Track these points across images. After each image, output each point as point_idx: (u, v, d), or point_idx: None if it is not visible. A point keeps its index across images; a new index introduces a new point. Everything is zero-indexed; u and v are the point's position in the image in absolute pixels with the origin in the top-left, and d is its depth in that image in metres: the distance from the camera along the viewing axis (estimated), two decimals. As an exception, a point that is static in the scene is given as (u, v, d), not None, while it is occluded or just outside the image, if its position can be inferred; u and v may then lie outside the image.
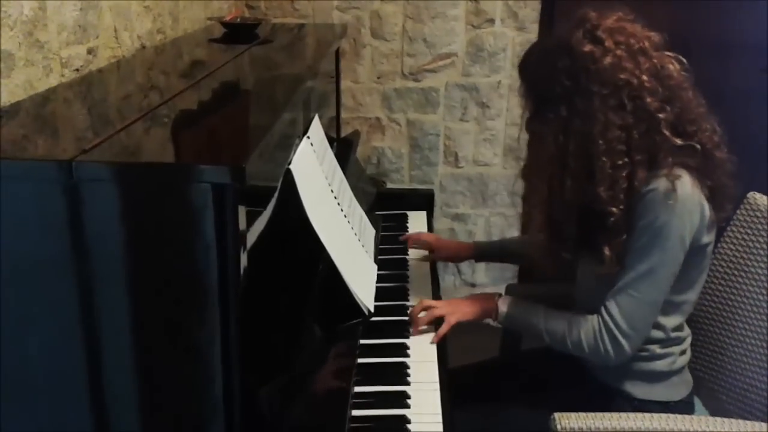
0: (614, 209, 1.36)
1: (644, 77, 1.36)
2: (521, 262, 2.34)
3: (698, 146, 1.39)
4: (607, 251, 1.39)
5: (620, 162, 1.35)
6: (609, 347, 1.42)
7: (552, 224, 1.46)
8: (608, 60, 1.35)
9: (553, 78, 1.39)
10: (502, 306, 1.56)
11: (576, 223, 1.42)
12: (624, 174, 1.36)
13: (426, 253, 1.98)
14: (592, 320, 1.44)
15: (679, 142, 1.37)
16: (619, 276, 1.41)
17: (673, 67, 1.41)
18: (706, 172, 1.41)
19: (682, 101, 1.40)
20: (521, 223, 3.02)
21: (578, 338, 1.45)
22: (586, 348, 1.44)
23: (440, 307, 1.59)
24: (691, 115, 1.41)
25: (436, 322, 1.59)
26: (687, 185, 1.36)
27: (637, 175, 1.36)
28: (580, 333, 1.44)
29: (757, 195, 1.64)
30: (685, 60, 1.44)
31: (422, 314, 1.58)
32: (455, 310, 1.58)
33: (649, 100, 1.36)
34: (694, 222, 1.38)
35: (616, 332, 1.41)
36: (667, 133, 1.37)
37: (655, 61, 1.39)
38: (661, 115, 1.36)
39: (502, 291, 1.94)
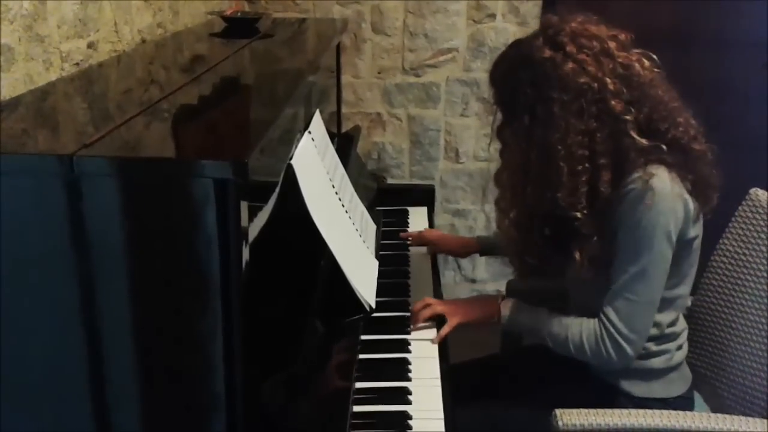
0: (577, 214, 1.37)
1: (607, 80, 1.35)
2: None
3: (665, 146, 1.38)
4: (577, 256, 1.39)
5: (580, 167, 1.35)
6: (612, 352, 1.41)
7: (518, 230, 1.47)
8: (569, 65, 1.35)
9: (517, 87, 1.40)
10: (504, 309, 1.56)
11: (540, 230, 1.44)
12: (584, 179, 1.36)
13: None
14: (594, 325, 1.43)
15: (645, 143, 1.36)
16: (612, 279, 1.41)
17: (640, 66, 1.40)
18: (687, 166, 1.40)
19: (652, 99, 1.39)
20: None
21: (580, 343, 1.44)
22: (588, 352, 1.44)
23: (441, 306, 1.58)
24: (663, 112, 1.40)
25: (437, 320, 1.58)
26: (664, 181, 1.35)
27: (602, 179, 1.36)
28: (582, 338, 1.44)
29: (759, 191, 1.63)
30: (654, 56, 1.43)
31: (425, 310, 1.57)
32: (457, 312, 1.57)
33: (613, 103, 1.35)
34: (678, 217, 1.37)
35: (618, 337, 1.40)
36: (633, 134, 1.36)
37: (620, 61, 1.38)
38: (626, 117, 1.35)
39: (503, 287, 1.93)
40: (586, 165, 1.36)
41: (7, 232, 0.96)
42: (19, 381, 1.04)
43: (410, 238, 1.99)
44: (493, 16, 2.77)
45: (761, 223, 1.60)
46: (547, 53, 1.37)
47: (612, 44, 1.39)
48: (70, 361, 1.02)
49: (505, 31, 2.78)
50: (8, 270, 0.98)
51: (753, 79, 2.78)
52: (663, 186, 1.35)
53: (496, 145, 1.54)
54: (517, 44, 1.49)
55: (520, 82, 1.40)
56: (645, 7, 2.72)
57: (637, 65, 1.40)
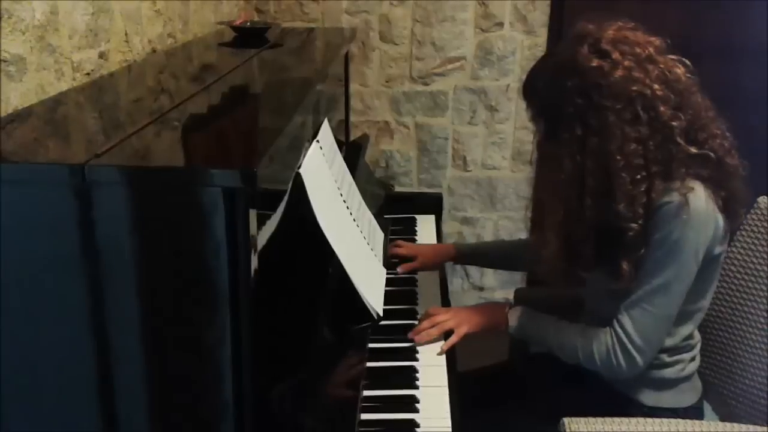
0: (634, 225, 1.34)
1: (655, 86, 1.34)
2: (503, 268, 2.27)
3: (711, 154, 1.37)
4: (625, 266, 1.36)
5: (638, 176, 1.33)
6: (622, 361, 1.40)
7: (569, 245, 1.42)
8: (618, 73, 1.33)
9: (564, 98, 1.36)
10: (512, 318, 1.55)
11: (593, 242, 1.39)
12: (643, 188, 1.34)
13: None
14: (605, 333, 1.42)
15: (693, 150, 1.35)
16: (633, 289, 1.39)
17: (680, 71, 1.39)
18: (720, 182, 1.39)
19: (693, 107, 1.38)
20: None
21: (590, 352, 1.43)
22: (598, 361, 1.43)
23: (449, 320, 1.56)
24: (702, 121, 1.39)
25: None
26: (700, 198, 1.34)
27: (655, 187, 1.34)
28: (593, 346, 1.43)
29: (768, 199, 1.63)
30: (689, 63, 1.41)
31: (433, 329, 1.55)
32: (464, 322, 1.56)
33: (662, 109, 1.34)
34: (707, 235, 1.36)
35: (629, 346, 1.39)
36: (681, 141, 1.35)
37: (662, 66, 1.37)
38: (674, 123, 1.34)
39: (511, 295, 1.93)
40: (643, 173, 1.33)
41: (19, 241, 0.97)
42: (30, 387, 1.05)
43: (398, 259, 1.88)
44: (500, 24, 2.78)
45: (769, 231, 1.60)
46: (595, 62, 1.34)
47: (652, 50, 1.37)
48: (80, 368, 1.03)
49: (512, 40, 2.79)
50: (19, 278, 0.99)
51: (761, 86, 2.78)
52: (699, 203, 1.33)
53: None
54: (554, 54, 1.46)
55: (567, 92, 1.35)
56: (652, 15, 2.71)
57: (677, 70, 1.38)
